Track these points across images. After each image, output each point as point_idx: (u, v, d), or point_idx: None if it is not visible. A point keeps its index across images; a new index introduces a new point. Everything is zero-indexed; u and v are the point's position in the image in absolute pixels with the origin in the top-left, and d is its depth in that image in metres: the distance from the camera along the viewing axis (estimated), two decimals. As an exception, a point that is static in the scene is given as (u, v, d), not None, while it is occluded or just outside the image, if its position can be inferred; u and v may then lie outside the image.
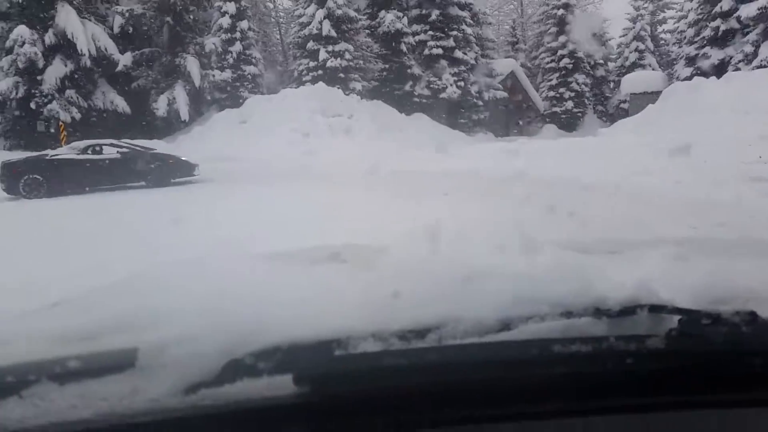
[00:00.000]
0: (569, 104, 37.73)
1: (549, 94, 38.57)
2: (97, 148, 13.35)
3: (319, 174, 13.07)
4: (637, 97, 29.90)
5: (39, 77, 21.58)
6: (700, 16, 29.98)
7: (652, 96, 25.74)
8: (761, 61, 25.38)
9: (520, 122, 38.64)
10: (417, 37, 30.91)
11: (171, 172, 13.52)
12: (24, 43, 21.19)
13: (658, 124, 19.53)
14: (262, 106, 21.90)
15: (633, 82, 31.66)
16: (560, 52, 38.24)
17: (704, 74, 25.12)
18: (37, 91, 21.49)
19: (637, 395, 0.83)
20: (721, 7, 28.32)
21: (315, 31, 26.60)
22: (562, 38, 38.30)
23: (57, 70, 21.85)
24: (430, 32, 31.12)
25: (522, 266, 1.06)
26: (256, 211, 8.07)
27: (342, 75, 26.35)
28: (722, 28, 28.40)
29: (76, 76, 22.61)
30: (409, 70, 29.65)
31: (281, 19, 41.41)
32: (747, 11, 26.61)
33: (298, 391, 0.77)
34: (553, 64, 38.61)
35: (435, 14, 31.04)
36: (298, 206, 8.21)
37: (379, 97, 26.85)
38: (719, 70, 26.34)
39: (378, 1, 30.06)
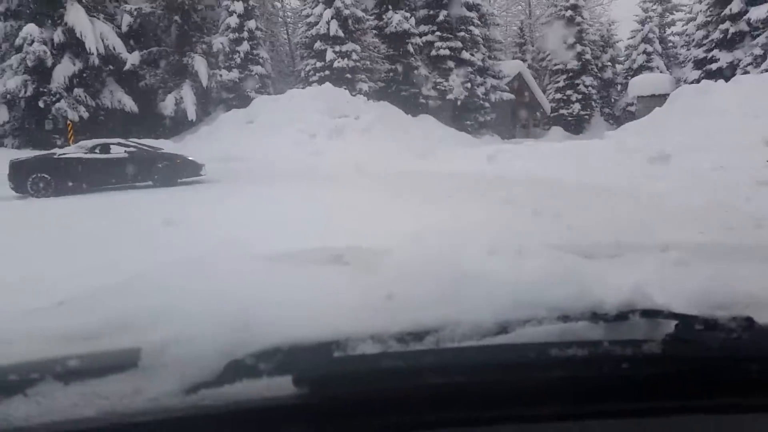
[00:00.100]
0: (576, 107, 37.62)
1: (556, 96, 38.47)
2: (105, 148, 13.41)
3: (325, 175, 13.09)
4: (645, 100, 29.77)
5: (48, 76, 21.65)
6: (709, 19, 29.82)
7: (660, 99, 25.61)
8: (771, 64, 25.26)
9: (527, 124, 38.54)
10: (424, 38, 30.89)
11: (178, 171, 13.57)
12: (33, 41, 21.28)
13: (665, 127, 19.42)
14: (269, 107, 21.94)
15: (640, 85, 31.52)
16: (568, 53, 38.12)
17: (712, 77, 24.99)
18: (45, 90, 21.59)
19: (633, 399, 0.84)
20: (730, 10, 28.17)
21: (322, 31, 26.61)
22: (569, 40, 38.19)
23: (65, 68, 21.95)
24: (438, 33, 31.09)
25: (520, 270, 1.07)
26: (261, 212, 8.09)
27: (349, 75, 26.36)
28: (731, 30, 28.25)
29: (84, 74, 22.70)
30: (415, 71, 29.62)
31: (289, 19, 41.44)
32: (757, 14, 26.47)
33: (297, 392, 0.78)
34: (560, 66, 38.50)
35: (442, 15, 31.00)
36: (302, 207, 8.22)
37: (386, 98, 26.85)
38: (728, 73, 26.21)
39: (385, 1, 30.01)
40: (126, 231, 7.38)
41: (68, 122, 20.22)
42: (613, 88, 41.38)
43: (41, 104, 21.45)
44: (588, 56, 38.36)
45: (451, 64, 30.67)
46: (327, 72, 26.17)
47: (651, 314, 0.92)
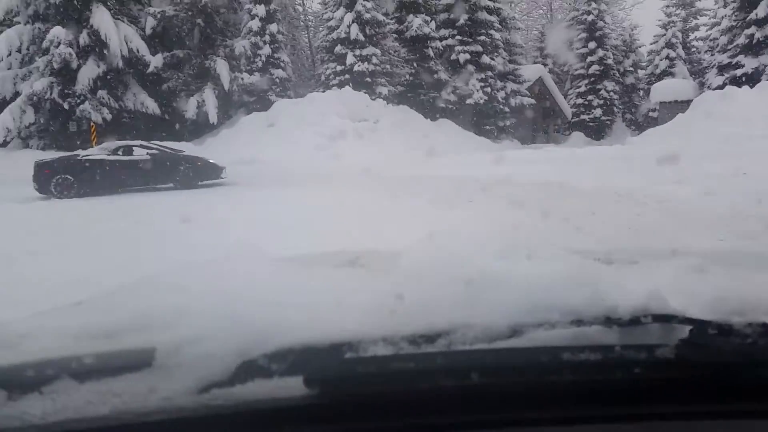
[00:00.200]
0: (597, 112, 37.29)
1: (577, 101, 38.17)
2: (128, 150, 13.58)
3: (344, 178, 13.13)
4: (667, 106, 29.46)
5: (73, 78, 21.99)
6: (734, 23, 29.40)
7: (682, 105, 25.32)
8: (797, 70, 24.83)
9: (547, 129, 38.30)
10: (444, 42, 30.88)
11: (199, 174, 13.70)
12: (60, 43, 21.60)
13: (687, 133, 19.18)
14: (290, 110, 22.09)
15: (663, 91, 31.20)
16: (589, 58, 37.84)
17: (737, 83, 24.63)
18: (70, 92, 21.90)
19: (646, 404, 0.83)
20: (756, 14, 27.71)
21: (343, 35, 26.75)
22: (591, 44, 37.92)
23: (90, 70, 22.25)
24: (458, 37, 31.06)
25: (534, 273, 1.06)
26: (278, 215, 8.13)
27: (369, 79, 26.44)
28: (757, 35, 27.79)
29: (108, 77, 22.99)
30: (435, 75, 29.62)
31: (310, 23, 41.72)
32: (784, 19, 26.05)
33: (308, 393, 0.78)
34: (582, 71, 38.21)
35: (463, 19, 30.96)
36: (320, 210, 8.26)
37: (405, 102, 26.89)
38: (752, 78, 25.78)
39: (406, 4, 30.06)
40: (145, 232, 7.47)
41: (92, 124, 20.51)
42: (635, 94, 40.97)
43: (66, 106, 21.76)
44: (610, 61, 38.03)
45: (471, 68, 30.60)
46: (347, 76, 26.28)
47: (665, 319, 0.92)
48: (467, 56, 30.62)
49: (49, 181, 12.58)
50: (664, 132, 20.99)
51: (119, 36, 22.76)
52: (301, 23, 41.78)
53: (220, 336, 0.87)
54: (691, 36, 40.61)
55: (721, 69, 29.45)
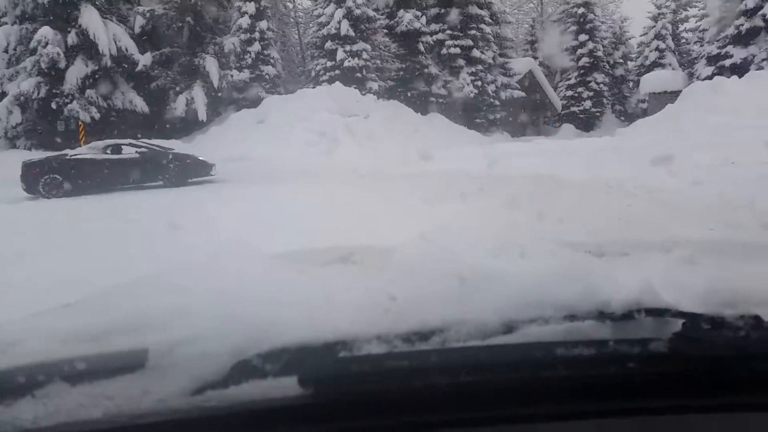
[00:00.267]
0: (587, 104, 37.43)
1: (567, 94, 38.29)
2: (117, 148, 13.51)
3: (335, 174, 13.09)
4: (657, 97, 29.60)
5: (60, 77, 21.85)
6: (723, 14, 29.51)
7: (672, 96, 25.45)
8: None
9: (537, 122, 38.38)
10: (435, 37, 30.86)
11: (188, 171, 13.65)
12: (47, 43, 21.46)
13: (677, 123, 19.28)
14: (280, 106, 22.02)
15: (652, 82, 31.34)
16: (579, 51, 37.93)
17: (726, 73, 24.75)
18: (58, 91, 21.76)
19: (640, 398, 0.83)
20: (745, 5, 27.84)
21: (333, 31, 26.67)
22: (582, 37, 38.00)
23: (78, 70, 22.11)
24: (449, 31, 31.03)
25: (526, 268, 1.06)
26: (270, 212, 8.11)
27: (359, 75, 26.39)
28: (746, 26, 27.92)
29: (96, 76, 22.86)
30: (426, 70, 29.61)
31: (300, 19, 41.59)
32: (774, 9, 26.13)
33: (303, 393, 0.78)
34: (572, 63, 38.31)
35: (454, 13, 30.93)
36: (311, 207, 8.23)
37: (396, 97, 26.87)
38: (741, 69, 25.91)
39: (397, 0, 30.02)
40: (136, 232, 7.43)
41: (80, 123, 20.38)
42: (625, 85, 41.16)
43: (53, 106, 21.63)
44: (599, 53, 38.17)
45: (461, 62, 30.62)
46: (337, 71, 26.22)
47: (658, 313, 0.92)
48: (458, 50, 30.60)
49: (38, 180, 12.50)
50: (654, 123, 21.10)
51: (108, 35, 22.62)
52: (291, 20, 41.64)
53: (214, 336, 0.87)
54: (681, 27, 40.75)
55: (710, 60, 29.58)
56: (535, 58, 40.29)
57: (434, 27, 31.07)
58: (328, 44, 27.00)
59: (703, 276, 1.08)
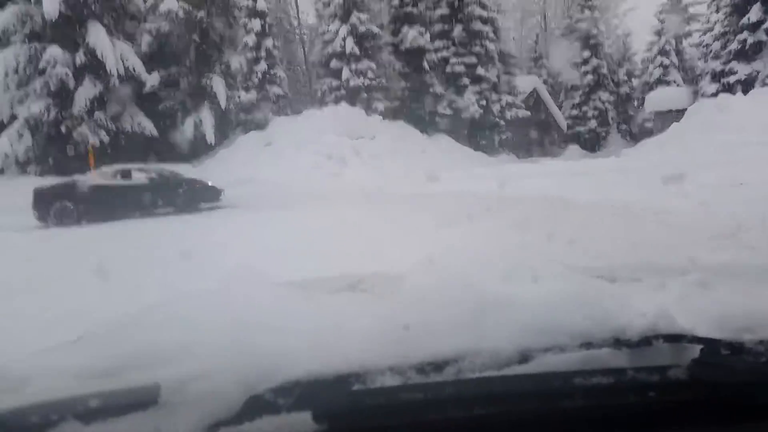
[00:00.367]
0: (593, 123, 37.34)
1: (572, 113, 38.24)
2: (126, 173, 13.58)
3: (342, 197, 13.15)
4: (662, 116, 29.59)
5: (70, 99, 21.89)
6: (726, 29, 29.46)
7: (677, 114, 25.45)
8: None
9: (543, 142, 38.34)
10: (439, 54, 31.00)
11: (198, 197, 13.73)
12: (56, 63, 21.48)
13: (683, 143, 19.30)
14: (286, 128, 22.17)
15: (657, 100, 31.33)
16: (584, 68, 37.98)
17: (730, 90, 24.76)
18: (67, 114, 21.76)
19: (661, 428, 0.82)
20: (749, 19, 27.67)
21: (339, 49, 26.84)
22: (585, 53, 38.06)
23: (87, 91, 22.06)
24: (453, 48, 31.17)
25: (540, 294, 1.05)
26: (278, 238, 8.14)
27: (365, 94, 26.53)
28: (750, 40, 27.79)
29: (105, 97, 22.88)
30: (431, 89, 29.75)
31: (305, 36, 41.89)
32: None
33: (317, 428, 0.77)
34: (576, 81, 38.33)
35: (458, 29, 31.10)
36: (320, 232, 8.25)
37: (401, 117, 26.98)
38: (746, 85, 25.90)
39: (400, 16, 30.23)
40: (146, 260, 7.42)
41: (89, 147, 20.36)
42: (630, 104, 41.06)
43: (63, 129, 21.60)
44: (604, 70, 38.15)
45: (466, 80, 30.71)
46: (342, 91, 26.37)
47: (675, 339, 0.91)
48: (462, 68, 30.71)
49: (49, 208, 12.54)
50: (659, 142, 21.14)
51: (115, 54, 22.63)
52: (297, 37, 41.94)
53: (225, 370, 0.85)
54: (685, 42, 40.74)
55: (715, 76, 29.54)
56: (540, 76, 40.33)
57: (438, 44, 31.22)
58: (334, 63, 27.17)
59: (718, 300, 1.08)
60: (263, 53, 26.99)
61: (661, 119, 29.16)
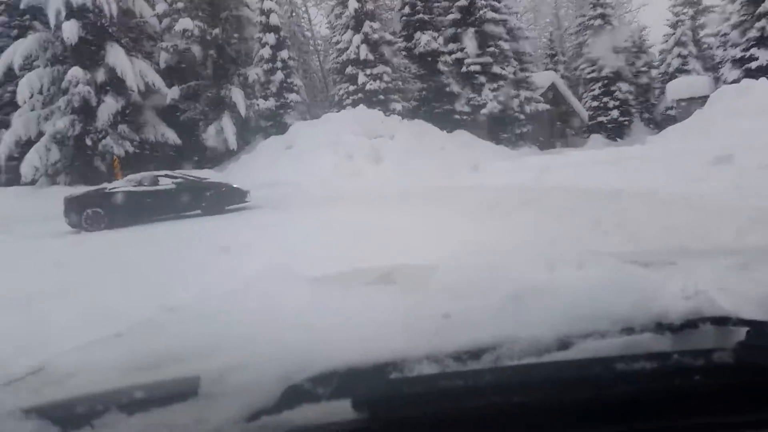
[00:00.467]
0: (614, 113, 36.99)
1: (593, 104, 37.94)
2: (153, 180, 13.81)
3: (365, 194, 13.19)
4: (684, 103, 29.27)
5: (93, 114, 22.49)
6: (743, 18, 29.23)
7: (699, 101, 25.15)
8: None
9: (565, 133, 38.10)
10: (454, 56, 31.03)
11: (224, 199, 13.85)
12: (78, 83, 22.13)
13: (707, 129, 19.05)
14: (306, 132, 22.32)
15: (678, 88, 31.00)
16: (600, 62, 37.75)
17: (753, 75, 24.41)
18: (91, 128, 22.38)
19: (708, 413, 0.79)
20: (765, 8, 27.58)
21: (353, 56, 26.99)
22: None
23: (109, 106, 22.71)
24: (467, 50, 31.19)
25: (577, 281, 1.03)
26: (306, 235, 8.19)
27: (382, 97, 26.62)
28: (768, 28, 27.66)
29: (127, 111, 23.47)
30: (447, 89, 29.76)
31: (319, 47, 42.22)
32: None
33: (357, 417, 0.77)
34: (594, 74, 38.02)
35: (470, 32, 31.13)
36: (347, 228, 8.29)
37: (420, 117, 27.00)
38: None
39: (412, 23, 30.36)
40: (179, 260, 7.51)
41: (115, 157, 20.91)
42: (651, 93, 40.67)
43: (88, 142, 22.24)
44: (621, 63, 37.89)
45: (482, 79, 30.67)
46: (360, 95, 26.48)
47: (720, 322, 0.88)
48: (478, 68, 30.69)
49: (80, 215, 12.82)
50: (684, 129, 20.88)
51: (134, 71, 23.24)
52: (311, 48, 42.28)
53: (264, 361, 0.86)
54: (702, 33, 40.29)
55: (736, 62, 29.25)
56: (557, 71, 40.18)
57: (452, 46, 31.26)
58: (349, 69, 27.32)
59: (760, 282, 1.05)
60: (279, 64, 27.21)
61: (683, 107, 28.81)
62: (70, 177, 22.47)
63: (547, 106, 33.95)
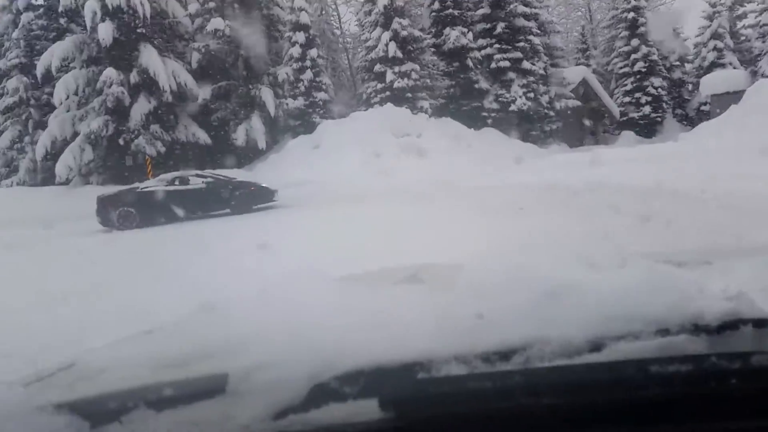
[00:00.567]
0: (647, 109, 36.27)
1: (624, 100, 37.28)
2: (184, 179, 14.03)
3: (393, 193, 13.19)
4: (719, 98, 28.51)
5: (126, 115, 22.95)
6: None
7: (735, 96, 24.45)
8: None
9: (595, 130, 37.49)
10: (483, 51, 30.79)
11: (253, 198, 14.01)
12: (112, 83, 22.59)
13: (743, 124, 18.54)
14: (334, 130, 22.39)
15: (713, 83, 30.23)
16: (633, 56, 37.02)
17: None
18: (124, 128, 22.82)
19: (745, 418, 0.77)
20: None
21: (381, 54, 27.00)
22: (634, 42, 37.12)
23: (142, 107, 23.13)
24: (497, 45, 30.91)
25: (611, 280, 1.01)
26: (334, 234, 8.21)
27: (409, 95, 26.57)
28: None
29: (159, 111, 23.85)
30: (476, 85, 29.56)
31: (348, 45, 42.31)
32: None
33: (384, 416, 0.77)
34: (626, 69, 37.37)
35: (500, 27, 30.85)
36: (374, 226, 8.32)
37: (447, 114, 26.86)
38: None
39: (441, 19, 30.22)
40: (207, 259, 7.63)
41: (147, 157, 21.30)
42: (684, 88, 39.72)
43: (121, 142, 22.68)
44: (655, 57, 37.10)
45: (512, 75, 30.37)
46: (387, 93, 26.47)
47: (758, 323, 0.86)
48: (507, 63, 30.40)
49: (112, 213, 13.10)
50: (717, 125, 20.37)
51: (167, 72, 23.59)
52: (340, 46, 42.39)
53: (291, 360, 0.86)
54: (740, 24, 39.17)
55: (774, 55, 28.38)
56: (588, 66, 39.56)
57: (482, 42, 31.02)
58: (377, 67, 27.33)
59: None
60: (308, 63, 27.38)
61: (718, 102, 28.08)
62: (103, 177, 23.02)
63: (578, 102, 33.46)
